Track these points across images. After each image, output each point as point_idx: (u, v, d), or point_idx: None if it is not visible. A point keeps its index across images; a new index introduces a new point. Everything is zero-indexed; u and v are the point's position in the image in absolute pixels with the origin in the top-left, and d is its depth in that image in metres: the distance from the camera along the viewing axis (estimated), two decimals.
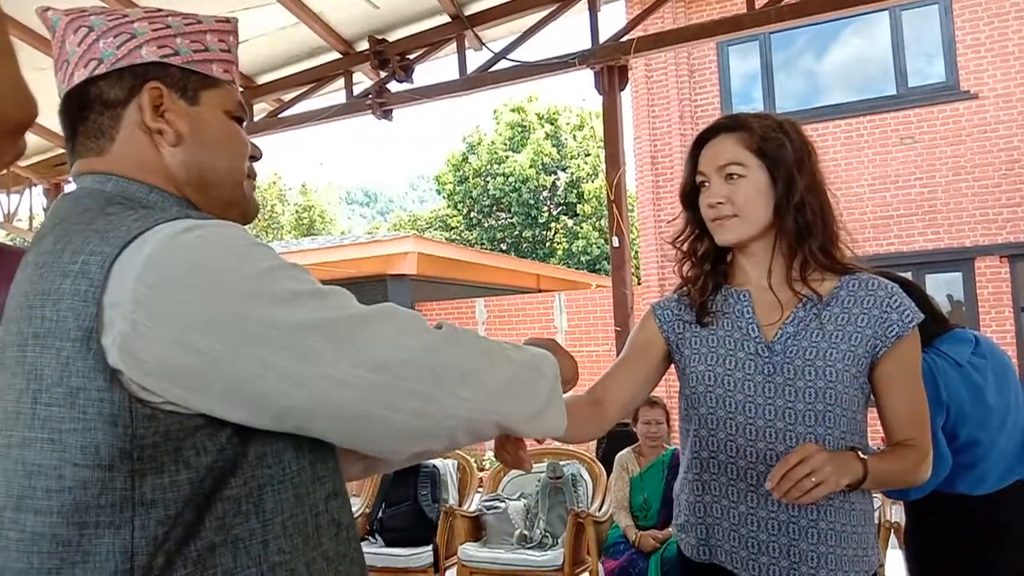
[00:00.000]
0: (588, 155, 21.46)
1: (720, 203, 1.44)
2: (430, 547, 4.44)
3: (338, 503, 0.85)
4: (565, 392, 1.01)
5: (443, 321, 0.88)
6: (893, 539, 3.73)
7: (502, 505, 4.54)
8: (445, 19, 5.58)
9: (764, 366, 1.43)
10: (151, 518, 0.71)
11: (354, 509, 0.92)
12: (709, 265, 1.54)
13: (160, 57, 0.88)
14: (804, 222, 1.42)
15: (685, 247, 1.58)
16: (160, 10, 0.91)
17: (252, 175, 0.98)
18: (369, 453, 0.86)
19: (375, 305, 0.81)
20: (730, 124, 1.48)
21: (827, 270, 1.45)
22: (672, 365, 1.60)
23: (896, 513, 3.76)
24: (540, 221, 21.51)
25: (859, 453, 1.33)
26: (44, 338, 0.72)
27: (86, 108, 0.87)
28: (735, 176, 1.43)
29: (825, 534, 1.39)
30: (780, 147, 1.43)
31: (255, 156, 0.99)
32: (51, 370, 0.71)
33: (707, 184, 1.48)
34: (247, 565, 0.75)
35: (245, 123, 0.99)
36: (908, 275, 8.41)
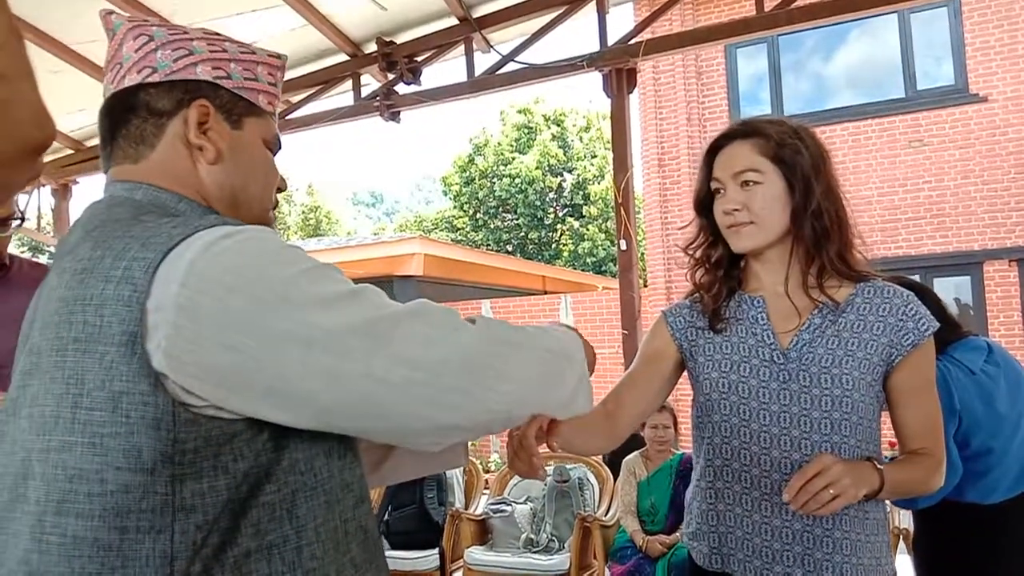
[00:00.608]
0: (594, 157, 21.45)
1: (736, 210, 1.43)
2: (436, 550, 4.44)
3: (364, 510, 0.87)
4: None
5: (476, 316, 0.90)
6: (901, 545, 3.72)
7: (508, 508, 4.54)
8: (453, 21, 5.57)
9: (779, 373, 1.42)
10: (190, 523, 0.72)
11: None
12: (722, 271, 1.54)
13: (214, 78, 0.90)
14: (822, 228, 1.41)
15: (698, 254, 1.57)
16: (218, 34, 0.94)
17: (276, 205, 1.01)
18: (406, 447, 0.88)
19: (409, 302, 0.83)
20: (745, 130, 1.47)
21: (843, 277, 1.44)
22: (684, 372, 1.59)
23: (905, 520, 3.75)
24: (546, 223, 21.51)
25: (875, 463, 1.32)
26: (86, 343, 0.73)
27: (131, 111, 0.89)
28: (751, 183, 1.42)
29: (840, 543, 1.38)
30: (797, 153, 1.42)
31: (281, 188, 1.01)
32: (93, 374, 0.72)
33: (722, 191, 1.46)
34: (282, 571, 0.77)
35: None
36: (916, 278, 8.39)
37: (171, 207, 0.86)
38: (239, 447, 0.74)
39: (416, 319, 0.81)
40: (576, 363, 0.98)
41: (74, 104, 5.92)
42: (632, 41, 5.25)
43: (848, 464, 1.26)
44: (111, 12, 0.94)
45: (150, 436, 0.70)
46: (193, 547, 0.72)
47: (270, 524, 0.76)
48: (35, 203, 8.09)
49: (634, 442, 4.22)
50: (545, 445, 1.15)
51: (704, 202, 1.53)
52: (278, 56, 0.99)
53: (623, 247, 5.14)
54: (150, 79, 0.88)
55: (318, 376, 0.74)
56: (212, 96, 0.90)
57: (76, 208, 7.26)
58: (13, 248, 1.77)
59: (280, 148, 1.00)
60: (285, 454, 0.78)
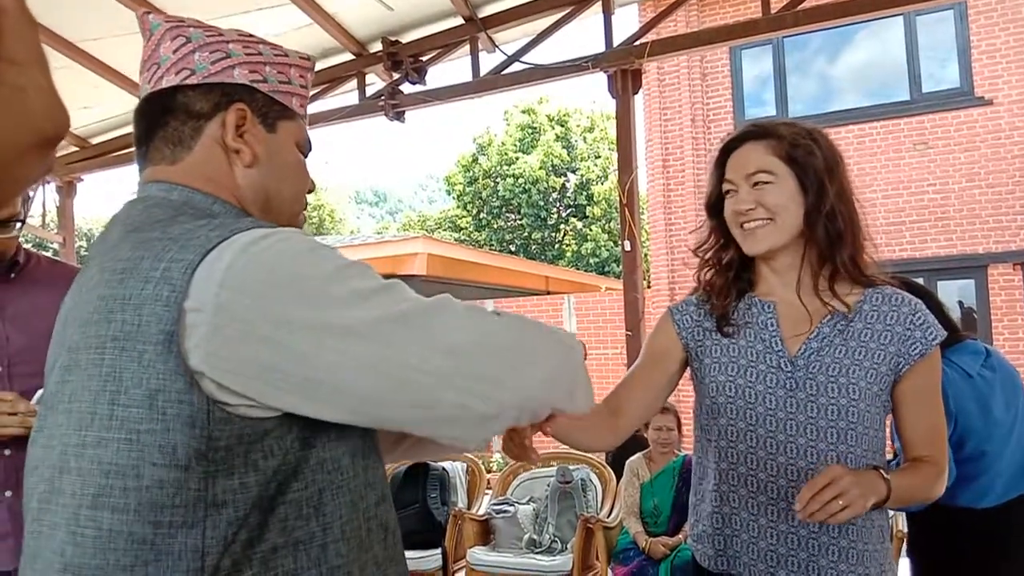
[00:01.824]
0: (598, 157, 21.43)
1: (750, 209, 1.41)
2: (439, 550, 4.43)
3: (385, 507, 0.89)
4: None
5: (498, 308, 0.91)
6: (903, 547, 3.71)
7: (511, 509, 4.53)
8: (459, 21, 5.56)
9: (787, 380, 1.41)
10: (221, 519, 0.73)
11: None
12: (733, 273, 1.52)
13: (250, 81, 0.92)
14: (835, 231, 1.40)
15: (708, 256, 1.55)
16: (251, 35, 0.95)
17: (306, 206, 1.03)
18: (441, 440, 0.88)
19: (434, 296, 0.85)
20: (758, 131, 1.45)
21: (854, 281, 1.43)
22: (688, 371, 1.58)
23: (905, 523, 3.74)
24: (549, 223, 21.49)
25: (882, 473, 1.31)
26: (124, 341, 0.74)
27: (169, 113, 0.91)
28: (763, 184, 1.41)
29: (846, 552, 1.38)
30: (810, 154, 1.40)
31: (310, 189, 1.03)
32: (131, 372, 0.73)
33: (734, 192, 1.45)
34: (307, 567, 0.78)
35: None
36: (920, 281, 8.28)
37: (206, 209, 0.88)
38: (269, 445, 0.76)
39: (445, 310, 0.83)
40: (579, 358, 1.01)
41: (79, 101, 5.93)
42: (637, 42, 5.25)
43: (857, 475, 1.25)
44: (148, 12, 0.95)
45: (185, 433, 0.72)
46: (224, 542, 0.73)
47: (297, 521, 0.78)
48: (40, 200, 8.12)
49: (637, 443, 4.21)
50: (541, 434, 1.15)
51: (716, 204, 1.51)
52: (308, 58, 1.00)
53: (627, 248, 5.13)
54: (188, 81, 0.90)
55: (357, 366, 0.76)
56: (249, 99, 0.92)
57: (80, 205, 7.27)
58: None
59: (311, 150, 1.02)
60: (313, 452, 0.79)
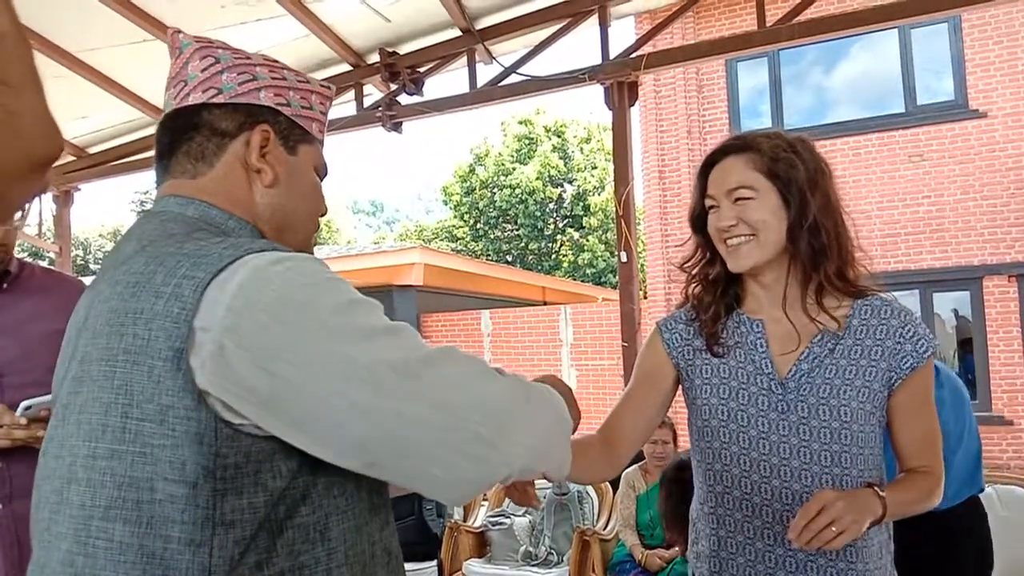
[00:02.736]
0: (595, 168, 21.50)
1: (732, 225, 1.38)
2: (435, 562, 4.42)
3: (389, 532, 0.89)
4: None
5: (500, 367, 0.91)
6: None
7: (507, 521, 4.52)
8: (456, 33, 5.58)
9: (778, 403, 1.39)
10: (229, 538, 0.74)
11: None
12: (720, 290, 1.49)
13: (275, 104, 0.95)
14: (819, 245, 1.36)
15: (695, 271, 1.52)
16: (276, 61, 0.98)
17: (317, 229, 1.05)
18: (428, 496, 0.87)
19: (440, 346, 0.84)
20: (738, 145, 1.42)
21: (842, 294, 1.40)
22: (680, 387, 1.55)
23: None
24: (546, 233, 21.54)
25: (877, 490, 1.29)
26: (135, 355, 0.75)
27: (194, 129, 0.93)
28: (744, 199, 1.38)
29: (844, 573, 1.36)
30: (791, 167, 1.36)
31: (322, 213, 1.04)
32: (141, 386, 0.74)
33: (716, 207, 1.42)
34: None
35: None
36: (916, 293, 8.30)
37: (221, 225, 0.89)
38: (278, 465, 0.76)
39: (449, 362, 0.82)
40: (569, 425, 1.00)
41: (76, 111, 5.94)
42: (634, 54, 5.27)
43: (849, 498, 1.22)
44: (178, 31, 0.98)
45: (193, 450, 0.72)
46: (231, 562, 0.74)
47: (304, 545, 0.78)
48: (36, 209, 8.10)
49: (633, 456, 4.20)
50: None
51: (699, 219, 1.48)
52: (328, 87, 1.04)
53: (623, 259, 5.13)
54: (215, 99, 0.92)
55: (349, 409, 0.75)
56: (272, 122, 0.94)
57: (77, 215, 7.25)
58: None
59: (327, 174, 1.04)
60: (321, 476, 0.79)
